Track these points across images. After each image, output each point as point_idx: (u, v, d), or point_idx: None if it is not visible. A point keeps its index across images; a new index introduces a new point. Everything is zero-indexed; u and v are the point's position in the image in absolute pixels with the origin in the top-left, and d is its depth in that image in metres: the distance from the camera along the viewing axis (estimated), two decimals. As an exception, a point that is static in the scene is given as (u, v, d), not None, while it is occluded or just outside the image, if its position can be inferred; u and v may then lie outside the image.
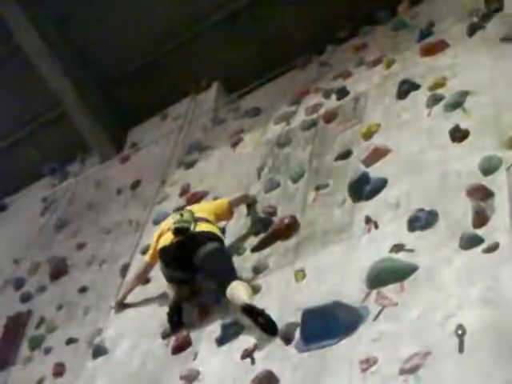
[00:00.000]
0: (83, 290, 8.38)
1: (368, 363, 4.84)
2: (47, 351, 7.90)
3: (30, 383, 7.58)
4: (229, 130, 9.31)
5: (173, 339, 6.49)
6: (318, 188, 6.97)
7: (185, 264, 6.62)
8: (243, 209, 7.42)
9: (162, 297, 7.06)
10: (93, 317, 7.83)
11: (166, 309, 6.69)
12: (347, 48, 9.12)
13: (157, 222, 8.06)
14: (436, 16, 8.21)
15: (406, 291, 5.19)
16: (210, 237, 6.68)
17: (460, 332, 4.55)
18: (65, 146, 11.03)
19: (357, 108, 7.73)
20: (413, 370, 4.57)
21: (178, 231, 6.72)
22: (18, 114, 11.23)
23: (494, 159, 5.64)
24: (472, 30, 7.46)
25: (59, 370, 7.45)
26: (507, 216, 5.13)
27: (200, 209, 7.19)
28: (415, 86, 7.26)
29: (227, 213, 7.29)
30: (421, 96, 7.07)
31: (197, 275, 6.73)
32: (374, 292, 5.35)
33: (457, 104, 6.57)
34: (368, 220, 6.06)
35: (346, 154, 7.11)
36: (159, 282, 7.12)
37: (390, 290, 5.27)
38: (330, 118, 7.90)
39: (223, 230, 7.25)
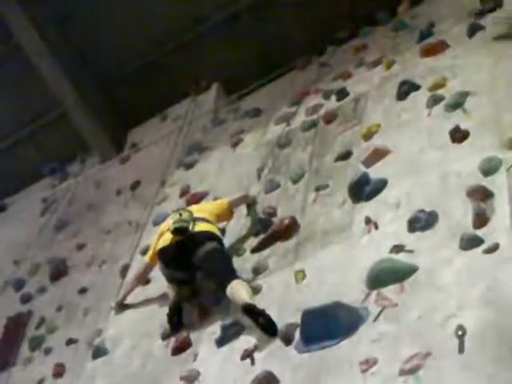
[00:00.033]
0: (83, 290, 8.38)
1: (368, 364, 4.84)
2: (47, 352, 7.90)
3: (30, 384, 7.61)
4: (229, 131, 9.31)
5: (173, 340, 6.48)
6: (318, 189, 6.98)
7: (184, 264, 6.62)
8: (243, 209, 7.42)
9: (161, 297, 7.07)
10: (93, 317, 7.82)
11: (165, 310, 6.69)
12: (347, 49, 9.12)
13: (157, 223, 8.06)
14: (436, 17, 8.21)
15: (406, 292, 5.19)
16: (209, 236, 6.69)
17: (460, 332, 4.55)
18: (65, 146, 11.04)
19: (357, 109, 7.73)
20: (413, 370, 4.56)
21: (176, 231, 6.73)
22: (17, 115, 11.23)
23: (494, 160, 5.64)
24: (472, 31, 7.46)
25: (59, 371, 7.45)
26: (507, 217, 5.12)
27: (199, 209, 7.20)
28: (415, 87, 7.26)
29: (227, 213, 7.29)
30: (421, 97, 7.07)
31: (197, 275, 6.74)
32: (374, 293, 5.35)
33: (457, 105, 6.57)
34: (368, 221, 6.06)
35: (346, 155, 7.11)
36: (159, 283, 7.12)
37: (390, 291, 5.27)
38: (330, 118, 7.90)
39: (223, 231, 7.25)
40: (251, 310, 5.83)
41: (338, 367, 5.01)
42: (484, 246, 5.06)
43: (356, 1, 9.21)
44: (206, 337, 6.29)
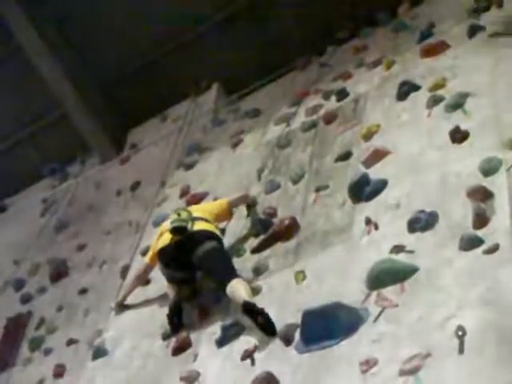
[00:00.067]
0: (83, 291, 8.38)
1: (368, 364, 4.84)
2: (47, 352, 7.91)
3: (30, 384, 7.61)
4: (229, 131, 9.31)
5: (173, 340, 6.49)
6: (318, 189, 6.98)
7: (184, 264, 6.62)
8: (243, 210, 7.42)
9: (161, 298, 7.07)
10: (93, 318, 7.83)
11: (166, 310, 6.69)
12: (347, 49, 9.12)
13: (157, 224, 8.06)
14: (436, 17, 8.20)
15: (406, 292, 5.20)
16: (208, 235, 6.68)
17: (460, 333, 4.55)
18: (65, 146, 11.04)
19: (357, 109, 7.74)
20: (413, 371, 4.57)
21: (175, 230, 6.73)
22: (18, 115, 11.23)
23: (494, 160, 5.64)
24: (472, 32, 7.46)
25: (59, 371, 7.46)
26: (507, 217, 5.13)
27: (198, 209, 7.20)
28: (415, 87, 7.26)
29: (226, 213, 7.29)
30: (421, 97, 7.07)
31: (197, 275, 6.74)
32: (375, 293, 5.35)
33: (457, 105, 6.57)
34: (368, 221, 6.06)
35: (346, 155, 7.11)
36: (159, 284, 7.12)
37: (390, 291, 5.27)
38: (329, 119, 7.90)
39: (223, 231, 7.25)
40: (251, 309, 5.83)
41: (338, 368, 5.01)
42: (484, 247, 5.06)
43: (356, 1, 9.21)
44: (206, 337, 6.29)
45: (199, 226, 6.76)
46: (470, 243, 5.14)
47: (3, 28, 10.20)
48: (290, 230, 6.69)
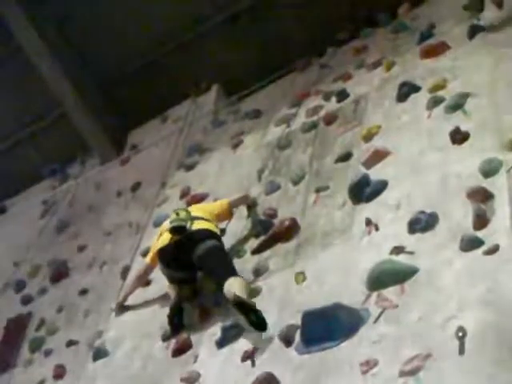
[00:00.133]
0: (84, 292, 8.38)
1: (368, 365, 4.84)
2: (48, 353, 7.90)
3: (31, 385, 7.61)
4: (229, 132, 9.32)
5: (173, 341, 6.49)
6: (318, 190, 6.98)
7: (184, 264, 6.62)
8: (243, 210, 7.42)
9: (162, 299, 7.07)
10: (93, 319, 7.83)
11: (166, 311, 6.69)
12: (347, 50, 9.12)
13: (157, 225, 8.06)
14: (436, 18, 8.21)
15: (406, 293, 5.20)
16: (207, 234, 6.68)
17: (460, 334, 4.56)
18: (65, 147, 11.04)
19: (357, 110, 7.74)
20: (413, 372, 4.57)
21: (174, 230, 6.73)
22: (17, 115, 11.23)
23: (494, 161, 5.64)
24: (472, 33, 7.46)
25: (60, 373, 7.45)
26: (507, 218, 5.13)
27: (198, 208, 7.21)
28: (415, 88, 7.26)
29: (226, 213, 7.30)
30: (421, 98, 7.07)
31: (197, 275, 6.74)
32: (375, 294, 5.35)
33: (457, 106, 6.57)
34: (368, 222, 6.06)
35: (346, 156, 7.12)
36: (160, 284, 7.13)
37: (390, 292, 5.27)
38: (330, 120, 7.90)
39: (223, 231, 7.25)
40: (241, 304, 5.83)
41: (338, 368, 5.01)
42: (484, 248, 5.06)
43: (356, 2, 9.21)
44: (206, 338, 6.29)
45: (198, 225, 6.76)
46: (470, 244, 5.14)
47: (3, 28, 10.20)
48: (290, 230, 6.69)
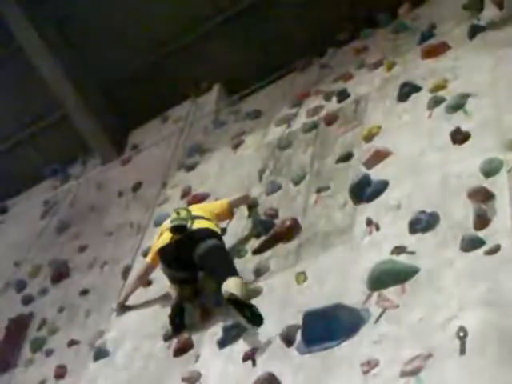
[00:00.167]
0: (85, 292, 8.39)
1: (369, 365, 4.84)
2: (49, 353, 7.91)
3: (32, 385, 7.62)
4: (230, 133, 9.32)
5: (174, 341, 6.49)
6: (319, 190, 6.98)
7: (185, 263, 6.62)
8: (244, 211, 7.43)
9: (163, 299, 7.08)
10: (94, 319, 7.83)
11: (167, 311, 6.70)
12: (348, 50, 9.12)
13: (158, 224, 8.05)
14: (437, 18, 8.21)
15: (407, 293, 5.20)
16: (208, 233, 6.69)
17: (461, 334, 4.56)
18: (66, 147, 11.04)
19: (358, 110, 7.74)
20: (414, 372, 4.57)
21: (175, 229, 6.73)
22: (18, 116, 11.23)
23: (495, 161, 5.64)
24: (473, 33, 7.47)
25: (61, 372, 7.46)
26: (508, 218, 5.13)
27: (199, 208, 7.21)
28: (416, 88, 7.26)
29: (227, 213, 7.30)
30: (422, 98, 7.07)
31: (198, 274, 6.74)
32: (376, 294, 5.35)
33: (458, 106, 6.58)
34: (369, 222, 6.07)
35: (347, 157, 7.12)
36: (161, 284, 7.13)
37: (391, 292, 5.28)
38: (330, 120, 7.90)
39: (224, 230, 7.25)
40: (234, 301, 5.86)
41: (339, 368, 5.02)
42: (485, 248, 5.07)
43: (356, 2, 9.21)
44: (207, 338, 6.30)
45: (199, 224, 6.76)
46: (471, 244, 5.14)
47: (3, 28, 10.21)
48: (291, 230, 6.70)
